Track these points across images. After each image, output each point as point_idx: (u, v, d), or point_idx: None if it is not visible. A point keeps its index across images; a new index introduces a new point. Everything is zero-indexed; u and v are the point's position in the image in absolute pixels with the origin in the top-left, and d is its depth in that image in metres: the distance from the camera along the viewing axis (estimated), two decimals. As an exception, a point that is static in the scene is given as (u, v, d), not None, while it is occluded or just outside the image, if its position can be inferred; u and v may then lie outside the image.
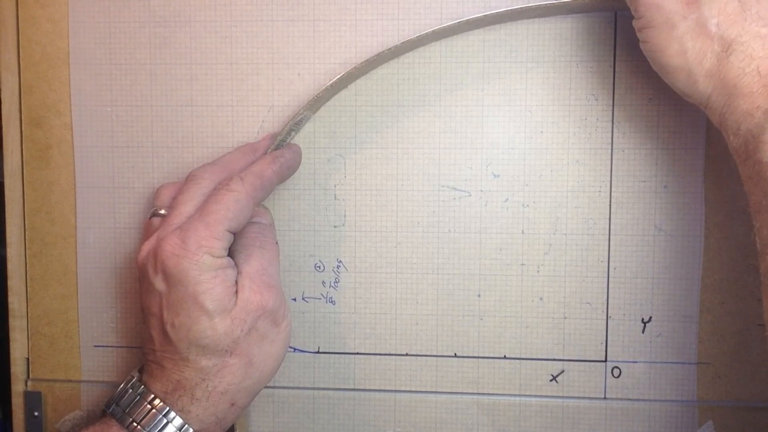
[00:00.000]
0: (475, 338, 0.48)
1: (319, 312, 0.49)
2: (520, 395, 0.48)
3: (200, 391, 0.40)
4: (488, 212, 0.47)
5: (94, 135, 0.49)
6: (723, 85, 0.36)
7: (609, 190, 0.47)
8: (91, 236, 0.50)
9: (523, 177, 0.47)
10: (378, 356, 0.49)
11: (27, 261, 0.50)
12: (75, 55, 0.49)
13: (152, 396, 0.40)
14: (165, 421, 0.40)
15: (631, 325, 0.47)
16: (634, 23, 0.39)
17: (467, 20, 0.43)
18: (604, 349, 0.48)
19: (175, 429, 0.40)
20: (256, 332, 0.41)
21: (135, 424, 0.40)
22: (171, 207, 0.43)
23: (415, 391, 0.49)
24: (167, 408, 0.40)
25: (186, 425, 0.40)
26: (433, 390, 0.49)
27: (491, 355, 0.48)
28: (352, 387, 0.49)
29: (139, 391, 0.41)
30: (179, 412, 0.40)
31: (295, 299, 0.49)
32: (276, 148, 0.46)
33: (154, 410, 0.40)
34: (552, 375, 0.48)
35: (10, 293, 0.50)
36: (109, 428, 0.40)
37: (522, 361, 0.48)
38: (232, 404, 0.42)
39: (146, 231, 0.44)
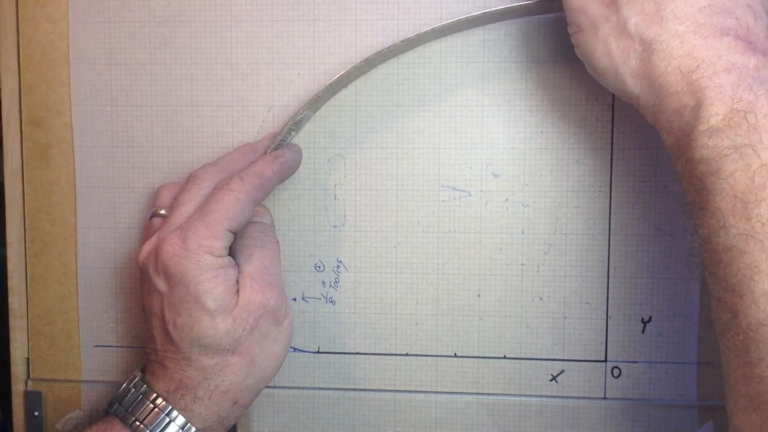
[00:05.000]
0: (475, 338, 0.48)
1: (319, 312, 0.49)
2: (520, 395, 0.48)
3: (202, 390, 0.40)
4: (488, 212, 0.47)
5: (94, 135, 0.49)
6: (650, 85, 0.36)
7: (609, 190, 0.47)
8: (91, 236, 0.50)
9: (523, 177, 0.47)
10: (378, 356, 0.49)
11: (27, 261, 0.50)
12: (75, 55, 0.49)
13: (155, 395, 0.41)
14: (168, 420, 0.40)
15: (631, 325, 0.47)
16: (568, 29, 0.40)
17: (467, 18, 0.43)
18: (604, 349, 0.48)
19: (177, 428, 0.40)
20: (258, 331, 0.41)
21: (138, 423, 0.40)
22: (172, 207, 0.43)
23: (415, 391, 0.49)
24: (170, 407, 0.40)
25: (188, 424, 0.40)
26: (433, 390, 0.49)
27: (491, 355, 0.48)
28: (352, 387, 0.49)
29: (141, 390, 0.41)
30: (182, 411, 0.40)
31: (295, 299, 0.49)
32: (276, 148, 0.46)
33: (156, 409, 0.40)
34: (552, 375, 0.48)
35: (10, 293, 0.50)
36: (112, 427, 0.41)
37: (522, 361, 0.48)
38: (234, 403, 0.42)
39: (146, 231, 0.44)
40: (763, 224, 0.30)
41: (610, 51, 0.37)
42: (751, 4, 0.35)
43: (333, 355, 0.49)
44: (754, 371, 0.30)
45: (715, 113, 0.33)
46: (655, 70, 0.35)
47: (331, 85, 0.45)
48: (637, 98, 0.37)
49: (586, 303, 0.47)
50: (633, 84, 0.37)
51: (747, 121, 0.32)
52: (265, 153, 0.45)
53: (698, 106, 0.33)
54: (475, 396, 0.49)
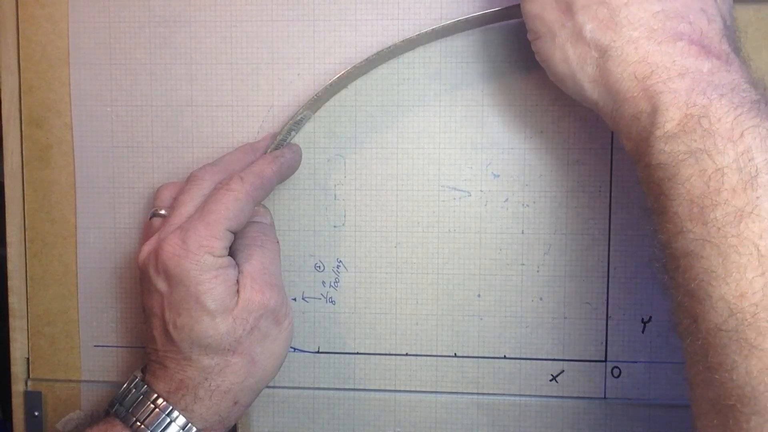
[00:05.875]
0: (475, 338, 0.48)
1: (319, 312, 0.49)
2: (520, 395, 0.48)
3: (203, 390, 0.40)
4: (488, 212, 0.47)
5: (94, 135, 0.49)
6: (607, 91, 0.36)
7: (609, 190, 0.47)
8: (91, 236, 0.50)
9: (523, 177, 0.47)
10: (378, 356, 0.49)
11: (27, 261, 0.50)
12: (75, 55, 0.49)
13: (155, 395, 0.41)
14: (168, 420, 0.40)
15: (631, 325, 0.47)
16: (527, 36, 0.40)
17: (467, 18, 0.44)
18: (604, 349, 0.48)
19: (178, 428, 0.40)
20: (258, 331, 0.41)
21: (138, 423, 0.40)
22: (172, 207, 0.43)
23: (415, 391, 0.49)
24: (171, 407, 0.40)
25: (189, 424, 0.40)
26: (433, 390, 0.49)
27: (491, 355, 0.48)
28: (352, 387, 0.49)
29: (142, 390, 0.41)
30: (182, 411, 0.40)
31: (295, 299, 0.49)
32: (276, 148, 0.46)
33: (157, 409, 0.40)
34: (552, 375, 0.48)
35: (10, 293, 0.50)
36: (113, 428, 0.41)
37: (522, 361, 0.48)
38: (235, 403, 0.42)
39: (146, 231, 0.44)
40: (719, 228, 0.30)
41: (568, 57, 0.37)
42: (705, 8, 0.35)
43: (333, 355, 0.49)
44: (713, 376, 0.30)
45: (670, 118, 0.33)
46: (611, 77, 0.35)
47: (331, 85, 0.45)
48: (596, 104, 0.37)
49: (586, 303, 0.47)
50: (591, 90, 0.37)
51: (701, 125, 0.32)
52: (265, 153, 0.45)
53: (654, 112, 0.33)
54: (475, 396, 0.49)
